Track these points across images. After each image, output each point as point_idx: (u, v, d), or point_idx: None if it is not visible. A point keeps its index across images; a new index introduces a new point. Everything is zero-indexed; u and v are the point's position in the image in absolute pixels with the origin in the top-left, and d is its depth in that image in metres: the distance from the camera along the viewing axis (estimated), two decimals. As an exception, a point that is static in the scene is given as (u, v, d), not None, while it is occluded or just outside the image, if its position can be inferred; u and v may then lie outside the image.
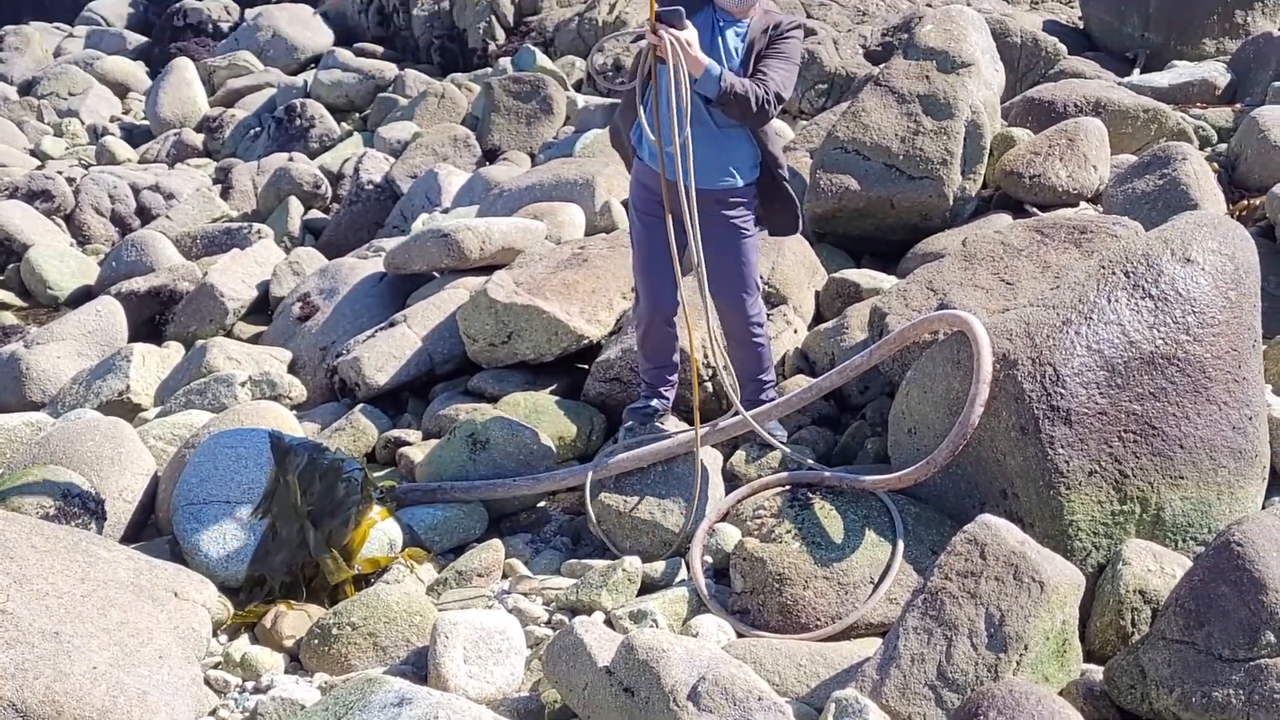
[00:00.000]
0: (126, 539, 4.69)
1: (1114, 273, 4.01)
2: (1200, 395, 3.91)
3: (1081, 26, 11.98)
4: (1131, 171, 6.41)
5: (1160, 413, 3.87)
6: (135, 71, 19.32)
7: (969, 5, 11.45)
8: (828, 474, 4.34)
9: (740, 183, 4.48)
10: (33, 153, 15.01)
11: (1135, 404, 3.85)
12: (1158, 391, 3.87)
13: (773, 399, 4.78)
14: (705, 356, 5.15)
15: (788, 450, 4.63)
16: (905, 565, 3.93)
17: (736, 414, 4.54)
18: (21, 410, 6.52)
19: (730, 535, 4.31)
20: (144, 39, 22.07)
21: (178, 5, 21.80)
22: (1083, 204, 6.74)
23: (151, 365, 6.75)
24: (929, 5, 12.93)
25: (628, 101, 4.49)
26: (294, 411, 5.85)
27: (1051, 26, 11.49)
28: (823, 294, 6.06)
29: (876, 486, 4.15)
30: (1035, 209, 6.61)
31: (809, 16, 12.81)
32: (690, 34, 4.07)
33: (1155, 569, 3.68)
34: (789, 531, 4.05)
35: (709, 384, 5.13)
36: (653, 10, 4.04)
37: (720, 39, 4.32)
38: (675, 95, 4.02)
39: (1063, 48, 10.06)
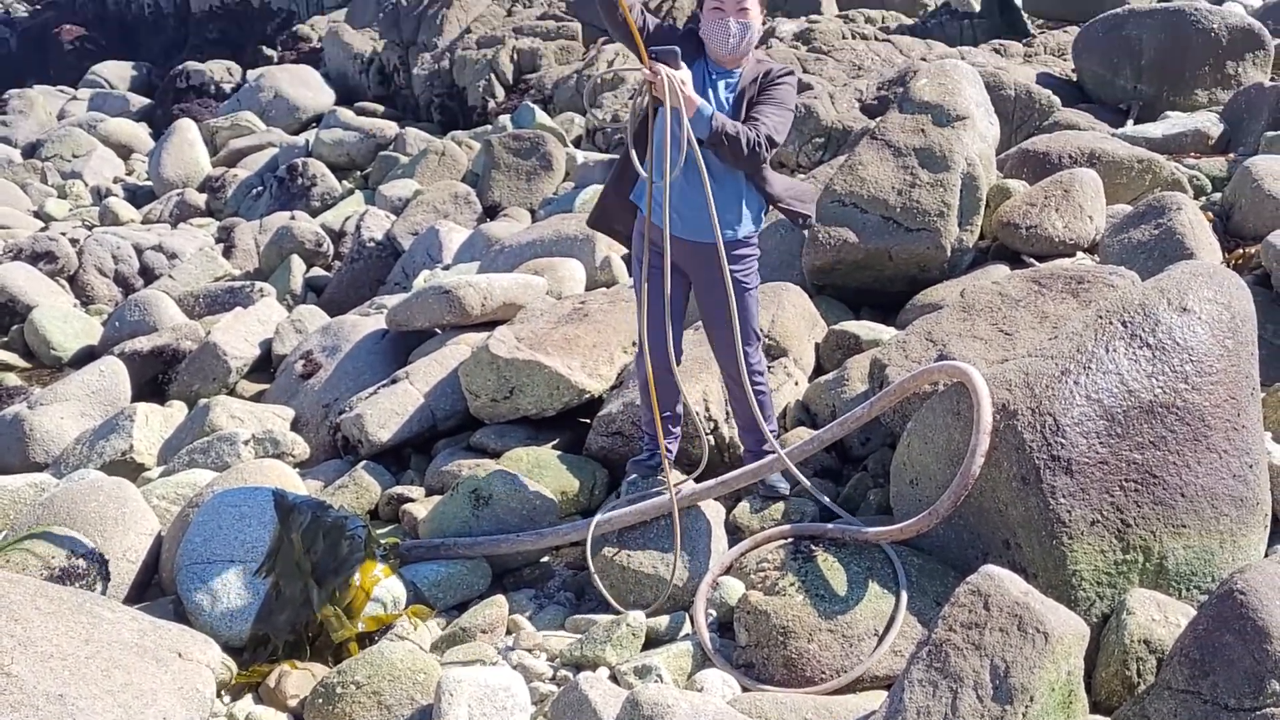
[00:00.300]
0: (130, 599, 4.68)
1: (1111, 322, 4.03)
2: (1200, 444, 3.93)
3: (1075, 79, 12.11)
4: (1127, 221, 6.45)
5: (1161, 461, 3.88)
6: (138, 133, 19.55)
7: (963, 59, 11.60)
8: (830, 526, 4.34)
9: (739, 235, 4.52)
10: (36, 214, 15.16)
11: (1135, 453, 3.86)
12: (1157, 440, 3.89)
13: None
14: (706, 409, 5.17)
15: (809, 485, 4.63)
16: (909, 617, 3.92)
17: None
18: (25, 471, 6.54)
19: (734, 588, 4.30)
20: (147, 101, 22.37)
21: (180, 67, 22.12)
22: (1079, 254, 6.78)
23: (155, 425, 6.77)
24: (923, 59, 13.09)
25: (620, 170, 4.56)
26: (297, 469, 5.86)
27: (1045, 79, 11.61)
28: (823, 346, 6.09)
29: (879, 538, 4.15)
30: (1032, 259, 6.66)
31: (805, 71, 12.96)
32: (685, 74, 4.15)
33: (1160, 618, 3.67)
34: (793, 584, 4.05)
35: (709, 436, 5.14)
36: (641, 45, 4.11)
37: (712, 91, 4.38)
38: (672, 131, 4.08)
39: (1056, 100, 10.15)
